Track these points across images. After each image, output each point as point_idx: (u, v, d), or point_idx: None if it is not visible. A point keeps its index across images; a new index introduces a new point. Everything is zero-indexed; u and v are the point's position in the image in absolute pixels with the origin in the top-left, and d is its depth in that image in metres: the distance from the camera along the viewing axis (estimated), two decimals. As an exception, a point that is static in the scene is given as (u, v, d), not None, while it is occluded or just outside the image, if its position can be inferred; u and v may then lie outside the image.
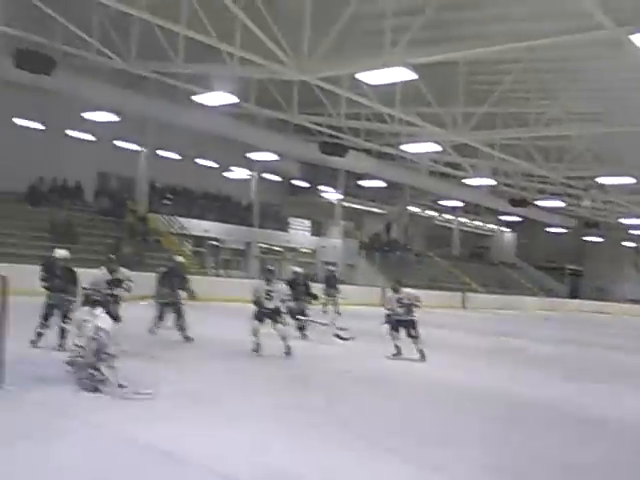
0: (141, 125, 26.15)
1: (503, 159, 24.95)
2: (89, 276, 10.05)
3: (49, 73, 16.84)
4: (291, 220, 35.19)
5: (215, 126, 23.84)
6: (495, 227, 51.60)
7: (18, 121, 24.16)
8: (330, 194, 36.88)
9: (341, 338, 13.01)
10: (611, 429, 7.37)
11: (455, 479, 5.21)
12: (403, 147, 24.35)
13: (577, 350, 16.94)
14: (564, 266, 51.42)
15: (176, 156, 29.32)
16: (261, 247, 33.07)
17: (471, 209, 45.09)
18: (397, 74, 14.10)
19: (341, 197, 36.54)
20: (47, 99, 21.25)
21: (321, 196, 37.34)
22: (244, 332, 11.06)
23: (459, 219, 47.45)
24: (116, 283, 10.13)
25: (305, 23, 13.97)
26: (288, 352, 10.72)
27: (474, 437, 6.47)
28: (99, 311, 7.60)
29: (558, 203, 35.42)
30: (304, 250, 35.18)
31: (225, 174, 33.27)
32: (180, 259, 13.26)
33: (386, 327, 11.61)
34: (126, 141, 27.27)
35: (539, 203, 35.45)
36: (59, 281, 9.84)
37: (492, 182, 30.78)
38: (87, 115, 22.06)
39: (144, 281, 12.41)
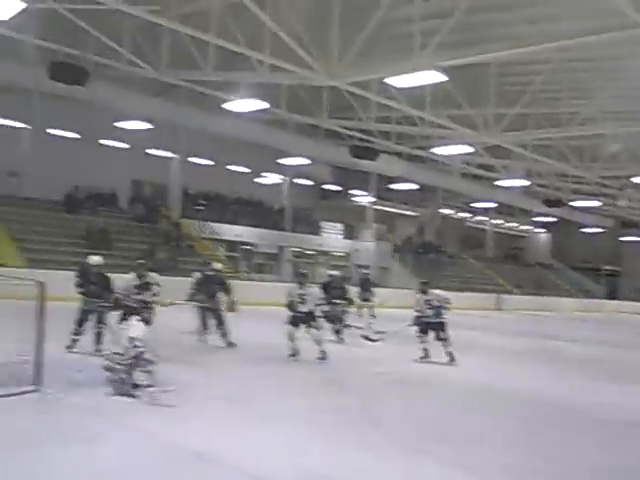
0: (173, 133, 26.45)
1: (536, 160, 24.71)
2: (118, 281, 10.15)
3: (83, 84, 17.21)
4: (323, 224, 35.28)
5: (246, 132, 24.03)
6: (529, 228, 51.04)
7: (53, 131, 24.64)
8: (362, 197, 36.88)
9: (369, 339, 12.96)
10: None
11: (487, 481, 5.21)
12: (435, 150, 24.26)
13: (615, 352, 16.68)
14: (600, 267, 50.58)
15: (208, 162, 29.62)
16: (294, 251, 33.23)
17: (504, 210, 44.65)
18: (427, 77, 14.11)
19: (373, 200, 36.51)
20: (81, 109, 21.58)
21: (352, 200, 37.36)
22: (277, 336, 11.08)
23: (492, 220, 47.07)
24: (145, 287, 10.13)
25: (334, 29, 14.04)
26: (323, 357, 10.60)
27: (507, 439, 6.45)
28: (134, 318, 7.74)
29: (593, 203, 34.93)
30: (337, 253, 35.23)
31: (257, 179, 33.52)
32: (218, 266, 13.06)
33: (415, 329, 11.50)
34: (159, 149, 27.66)
35: (574, 203, 34.99)
36: (94, 287, 9.99)
37: (525, 183, 30.48)
38: (120, 124, 22.43)
39: (178, 286, 12.53)
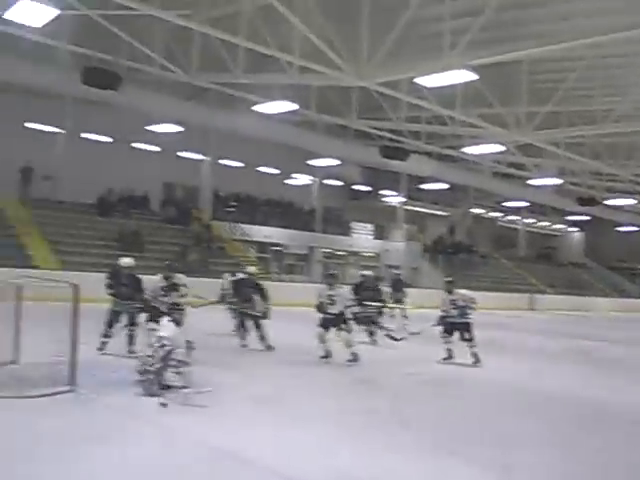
0: (204, 135, 26.66)
1: (569, 158, 24.37)
2: (145, 282, 10.23)
3: (115, 88, 17.45)
4: (353, 224, 35.24)
5: (276, 134, 24.09)
6: (562, 227, 50.37)
7: (87, 135, 24.98)
8: (392, 198, 36.77)
9: (393, 338, 12.82)
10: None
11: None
12: (465, 149, 24.07)
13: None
14: (636, 266, 49.68)
15: (239, 164, 29.78)
16: (324, 252, 33.26)
17: (537, 209, 44.13)
18: (457, 76, 14.00)
19: (403, 200, 36.37)
20: (114, 113, 21.82)
21: (383, 200, 37.27)
22: (308, 337, 11.08)
23: (524, 220, 46.55)
24: (172, 288, 10.13)
25: (363, 29, 14.02)
26: (353, 359, 10.44)
27: (539, 440, 6.38)
28: (165, 320, 7.81)
29: (628, 201, 34.31)
30: (367, 254, 35.17)
31: (287, 181, 33.63)
32: (252, 269, 12.98)
33: (439, 329, 11.35)
34: (190, 151, 27.90)
35: (608, 202, 34.42)
36: (125, 289, 10.11)
37: (558, 181, 30.05)
38: (152, 127, 22.68)
39: (210, 287, 12.59)
